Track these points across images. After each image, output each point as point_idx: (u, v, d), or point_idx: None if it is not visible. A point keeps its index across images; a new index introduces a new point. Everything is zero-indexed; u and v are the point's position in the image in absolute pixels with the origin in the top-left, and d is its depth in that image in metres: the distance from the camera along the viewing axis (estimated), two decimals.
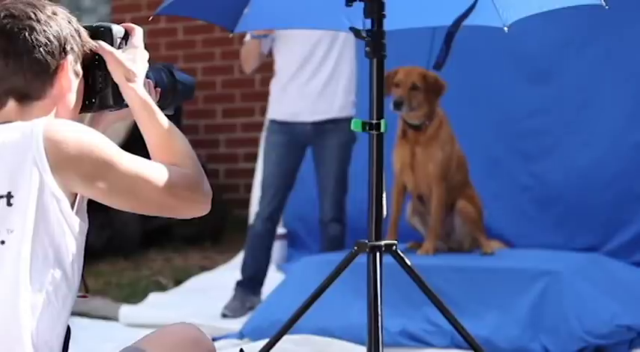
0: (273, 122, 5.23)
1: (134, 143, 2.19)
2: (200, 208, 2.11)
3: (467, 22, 3.26)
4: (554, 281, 4.19)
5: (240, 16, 3.54)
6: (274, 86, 5.26)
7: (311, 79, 5.12)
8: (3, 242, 1.93)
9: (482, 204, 4.78)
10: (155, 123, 2.13)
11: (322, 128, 5.12)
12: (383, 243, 3.20)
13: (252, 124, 7.56)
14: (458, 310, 3.63)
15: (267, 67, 5.29)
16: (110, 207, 2.06)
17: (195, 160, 2.13)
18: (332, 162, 5.12)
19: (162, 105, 2.24)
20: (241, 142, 7.86)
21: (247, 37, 5.15)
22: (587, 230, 5.30)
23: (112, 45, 2.17)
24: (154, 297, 5.46)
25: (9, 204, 1.93)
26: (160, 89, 2.28)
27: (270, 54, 5.24)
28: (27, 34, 2.03)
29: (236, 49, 5.28)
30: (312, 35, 5.05)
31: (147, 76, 2.20)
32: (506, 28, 3.25)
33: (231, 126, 7.95)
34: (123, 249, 6.64)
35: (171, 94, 2.33)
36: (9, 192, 1.94)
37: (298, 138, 5.15)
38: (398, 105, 4.58)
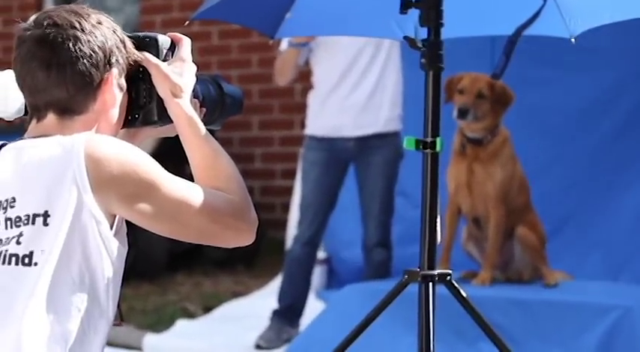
0: (312, 138, 5.24)
1: (162, 156, 2.21)
2: (244, 238, 2.12)
3: (531, 31, 3.25)
4: (625, 317, 4.16)
5: (281, 22, 3.55)
6: (313, 99, 5.27)
7: (354, 90, 5.12)
8: (36, 264, 1.95)
9: (545, 231, 4.75)
10: (201, 143, 2.14)
11: (366, 144, 5.11)
12: (436, 272, 3.20)
13: (291, 138, 7.58)
14: (517, 347, 3.62)
15: (308, 76, 5.31)
16: (134, 225, 2.08)
17: (242, 185, 2.14)
18: (377, 180, 5.12)
19: (209, 120, 2.26)
20: (279, 157, 7.88)
21: (283, 46, 5.15)
22: None
23: (157, 56, 2.19)
24: (181, 325, 5.48)
25: (45, 223, 1.96)
26: (205, 109, 2.29)
27: (307, 64, 5.25)
28: (71, 44, 2.05)
29: (275, 56, 5.30)
30: (355, 42, 5.05)
31: (193, 89, 2.21)
32: (573, 39, 3.24)
33: (268, 139, 7.98)
34: (148, 272, 6.66)
35: (219, 108, 2.34)
36: (46, 211, 1.96)
37: (340, 155, 5.15)
38: (463, 113, 4.57)
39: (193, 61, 2.23)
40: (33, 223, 1.96)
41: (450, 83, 4.66)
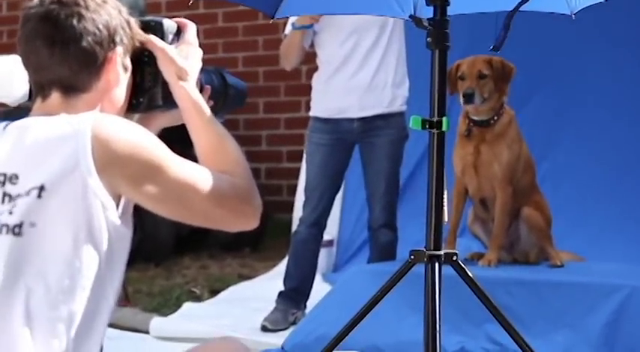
0: (316, 119, 5.22)
1: (167, 138, 2.21)
2: (249, 222, 2.13)
3: (532, 8, 3.28)
4: (631, 297, 4.15)
5: (282, 1, 3.55)
6: (317, 81, 5.26)
7: (358, 71, 5.10)
8: (24, 234, 1.95)
9: (551, 212, 4.74)
10: (206, 127, 2.15)
11: (370, 124, 5.10)
12: (442, 252, 3.20)
13: (297, 120, 7.57)
14: (523, 328, 3.62)
15: (314, 58, 5.31)
16: (141, 208, 2.08)
17: (248, 169, 2.15)
18: (382, 161, 5.11)
19: (212, 111, 2.25)
20: (285, 139, 7.87)
21: (288, 29, 5.15)
22: None
23: (163, 40, 2.20)
24: (187, 308, 5.48)
25: (39, 196, 1.95)
26: (209, 86, 2.29)
27: (312, 47, 5.24)
28: (75, 21, 2.06)
29: (281, 38, 5.29)
30: (359, 24, 5.03)
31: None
32: (573, 16, 3.25)
33: (274, 121, 7.97)
34: (154, 255, 6.68)
35: (222, 99, 2.34)
36: (42, 185, 1.95)
37: (344, 136, 5.14)
38: (469, 97, 4.56)
39: (199, 44, 2.24)
40: (28, 195, 1.96)
41: (450, 74, 4.65)
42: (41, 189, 1.95)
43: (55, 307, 1.94)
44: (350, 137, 5.14)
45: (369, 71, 5.10)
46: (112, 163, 1.96)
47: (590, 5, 3.34)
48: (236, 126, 7.80)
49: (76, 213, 1.95)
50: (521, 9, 3.25)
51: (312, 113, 5.28)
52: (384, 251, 5.13)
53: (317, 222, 5.18)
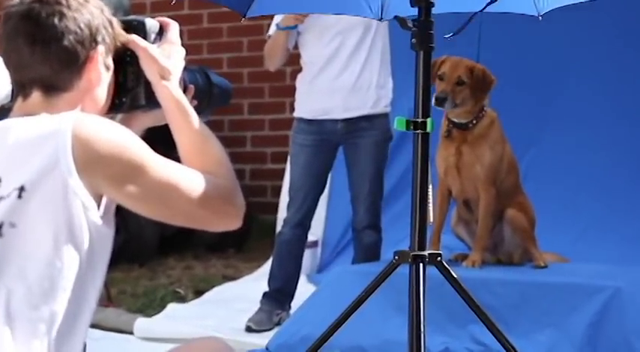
0: (300, 120, 5.22)
1: (150, 140, 2.21)
2: (232, 222, 2.12)
3: (500, 9, 3.30)
4: (614, 298, 4.16)
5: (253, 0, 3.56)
6: (301, 81, 5.25)
7: (342, 72, 5.10)
8: (0, 234, 1.94)
9: (535, 213, 4.75)
10: (189, 126, 2.15)
11: (355, 126, 5.10)
12: (427, 253, 3.20)
13: (282, 121, 7.57)
14: (507, 328, 3.62)
15: (298, 60, 5.31)
16: (125, 209, 2.07)
17: (230, 169, 2.15)
18: (366, 162, 5.11)
19: (196, 110, 2.25)
20: (269, 140, 7.87)
21: (272, 30, 5.15)
22: None
23: (145, 40, 2.19)
24: (172, 309, 5.48)
25: (19, 196, 1.94)
26: (192, 86, 2.29)
27: (296, 47, 5.24)
28: (56, 19, 2.05)
29: (265, 39, 5.29)
30: (343, 24, 5.03)
31: (180, 78, 2.21)
32: (540, 17, 3.28)
33: (258, 122, 7.97)
34: (138, 256, 6.66)
35: (207, 99, 2.34)
36: (22, 186, 1.94)
37: (329, 137, 5.14)
38: (441, 101, 4.56)
39: (183, 45, 2.23)
40: (9, 196, 1.95)
41: (434, 66, 4.64)
42: (21, 189, 1.94)
43: (35, 307, 1.93)
44: (334, 138, 5.14)
45: (354, 72, 5.10)
46: (93, 163, 1.95)
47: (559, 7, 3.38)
48: (221, 128, 7.80)
49: (56, 213, 1.94)
50: (489, 10, 3.27)
51: (296, 114, 5.28)
52: (368, 252, 5.13)
53: (301, 222, 5.18)
